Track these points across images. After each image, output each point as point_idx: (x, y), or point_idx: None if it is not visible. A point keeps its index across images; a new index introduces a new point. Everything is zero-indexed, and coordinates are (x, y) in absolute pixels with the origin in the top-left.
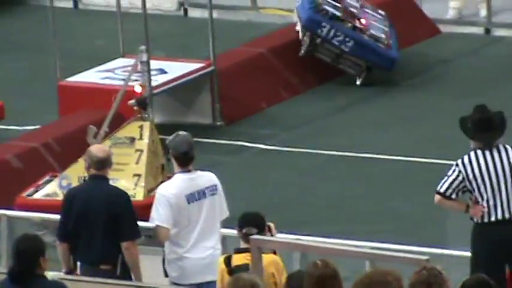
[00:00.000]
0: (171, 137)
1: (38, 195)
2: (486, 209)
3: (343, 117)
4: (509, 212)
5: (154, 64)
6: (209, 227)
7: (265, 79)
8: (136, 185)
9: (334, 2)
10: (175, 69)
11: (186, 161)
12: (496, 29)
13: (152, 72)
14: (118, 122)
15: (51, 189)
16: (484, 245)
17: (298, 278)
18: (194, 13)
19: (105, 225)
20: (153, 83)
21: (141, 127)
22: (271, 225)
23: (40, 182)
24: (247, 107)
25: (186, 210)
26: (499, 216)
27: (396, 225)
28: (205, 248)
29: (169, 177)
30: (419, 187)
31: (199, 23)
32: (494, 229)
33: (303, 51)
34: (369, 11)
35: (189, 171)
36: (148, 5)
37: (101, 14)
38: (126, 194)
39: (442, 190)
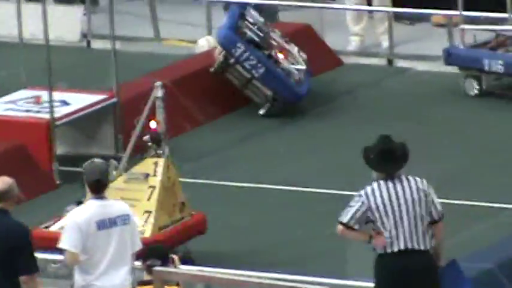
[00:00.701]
0: (85, 164)
1: (54, 228)
2: (389, 240)
3: (246, 148)
4: (412, 242)
5: (57, 95)
6: (119, 257)
7: (168, 110)
8: (146, 221)
9: (257, 31)
10: (78, 100)
11: (98, 188)
12: (398, 60)
13: (55, 104)
14: None
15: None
16: (387, 275)
17: None
18: (97, 44)
19: (3, 261)
20: (56, 115)
21: (155, 163)
22: (175, 257)
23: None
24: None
25: (96, 237)
26: (402, 246)
27: (298, 255)
28: (114, 277)
29: (191, 215)
30: (322, 218)
31: (102, 54)
32: (397, 259)
33: (213, 68)
34: (291, 51)
35: (101, 198)
36: (51, 36)
37: (3, 45)
38: (26, 227)
39: (345, 220)
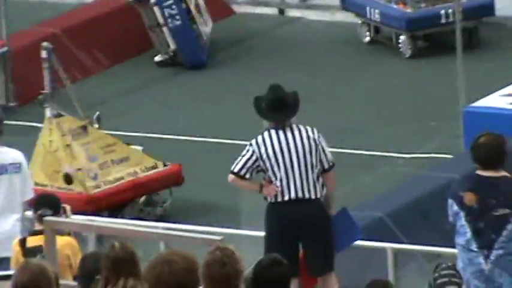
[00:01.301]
0: None
1: None
2: (279, 189)
3: (141, 98)
4: (302, 191)
5: None
6: (8, 204)
7: (60, 60)
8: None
9: None
10: None
11: None
12: (289, 10)
13: None
14: None
15: None
16: (277, 224)
17: (92, 260)
18: None
19: None
20: None
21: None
22: (67, 207)
23: None
24: (41, 88)
25: None
26: (292, 195)
27: (190, 205)
28: (2, 224)
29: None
30: (215, 167)
31: None
32: (287, 208)
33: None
34: (202, 10)
35: None
36: None
37: None
38: None
39: (236, 170)
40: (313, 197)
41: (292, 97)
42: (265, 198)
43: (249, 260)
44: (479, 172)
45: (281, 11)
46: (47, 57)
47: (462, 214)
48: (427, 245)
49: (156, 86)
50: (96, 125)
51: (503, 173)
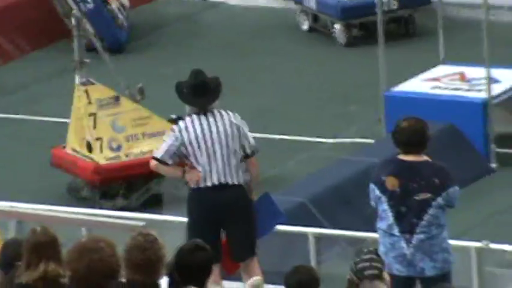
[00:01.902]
0: None
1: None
2: (202, 174)
3: (57, 84)
4: (225, 177)
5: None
6: None
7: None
8: None
9: None
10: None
11: None
12: None
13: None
14: None
15: None
16: (199, 210)
17: (13, 246)
18: None
19: None
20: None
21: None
22: None
23: None
24: None
25: None
26: (215, 181)
27: None
28: None
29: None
30: None
31: None
32: (210, 194)
33: None
34: None
35: None
36: None
37: None
38: None
39: (158, 156)
40: (235, 182)
41: (214, 82)
42: (187, 184)
43: (172, 245)
44: (401, 156)
45: None
46: (76, 24)
47: (384, 198)
48: (349, 230)
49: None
50: (139, 97)
51: (425, 158)
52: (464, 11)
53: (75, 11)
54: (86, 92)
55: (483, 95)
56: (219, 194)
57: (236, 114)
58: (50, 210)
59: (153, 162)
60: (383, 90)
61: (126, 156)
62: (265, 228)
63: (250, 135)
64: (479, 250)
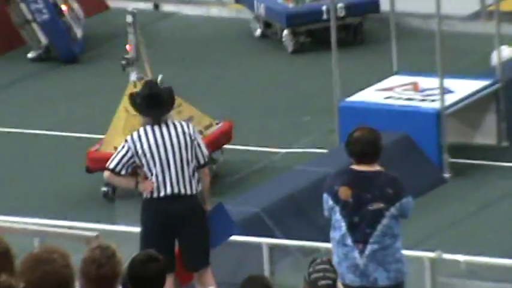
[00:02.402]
0: None
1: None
2: (155, 185)
3: (13, 93)
4: (178, 187)
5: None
6: None
7: None
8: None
9: None
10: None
11: None
12: (164, 5)
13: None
14: None
15: None
16: (153, 220)
17: None
18: None
19: None
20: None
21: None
22: None
23: None
24: None
25: None
26: (168, 191)
27: (70, 201)
28: None
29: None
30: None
31: None
32: (163, 204)
33: None
34: (73, 5)
35: None
36: None
37: None
38: None
39: (111, 166)
40: (189, 192)
41: (167, 93)
42: (141, 194)
43: (125, 256)
44: (354, 167)
45: (156, 6)
46: (132, 21)
47: (337, 208)
48: (303, 240)
49: (29, 81)
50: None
51: (378, 168)
52: (416, 20)
53: (130, 9)
54: None
55: (436, 105)
56: (173, 204)
57: (190, 124)
58: (3, 221)
59: (106, 173)
60: (337, 100)
61: None
62: (218, 239)
63: (203, 145)
64: (432, 260)
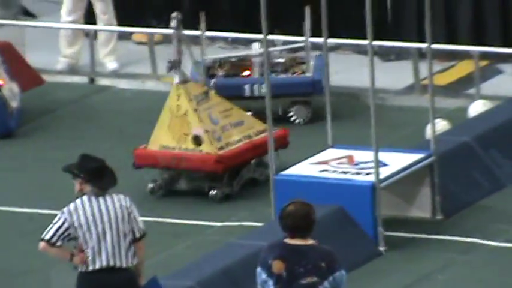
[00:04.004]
0: None
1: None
2: (90, 257)
3: None
4: (114, 259)
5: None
6: None
7: None
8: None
9: None
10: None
11: None
12: (100, 78)
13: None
14: None
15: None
16: None
17: None
18: None
19: None
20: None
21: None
22: None
23: None
24: None
25: None
26: (104, 263)
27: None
28: None
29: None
30: (24, 237)
31: None
32: (98, 277)
33: None
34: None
35: None
36: None
37: None
38: None
39: (47, 237)
40: (124, 265)
41: (105, 165)
42: (76, 268)
43: None
44: (287, 240)
45: (91, 80)
46: (176, 27)
47: (271, 282)
48: None
49: None
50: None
51: (311, 241)
52: (351, 95)
53: (175, 14)
54: (186, 89)
55: (371, 178)
56: (107, 277)
57: (126, 198)
58: None
59: (41, 244)
60: (272, 173)
61: (227, 145)
62: None
63: (140, 218)
64: None
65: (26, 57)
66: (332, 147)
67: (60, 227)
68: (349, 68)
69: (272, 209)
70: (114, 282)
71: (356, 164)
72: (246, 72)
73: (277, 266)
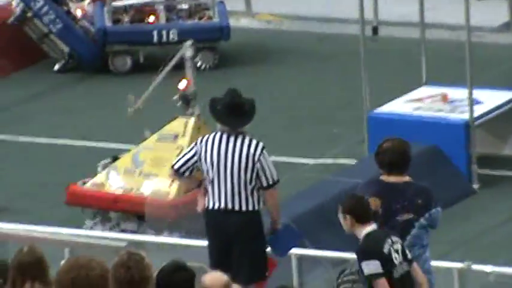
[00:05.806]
0: None
1: (88, 185)
2: (211, 196)
3: (40, 104)
4: (233, 202)
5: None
6: None
7: None
8: (173, 181)
9: None
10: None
11: None
12: None
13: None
14: None
15: (100, 180)
16: (208, 231)
17: None
18: None
19: None
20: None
21: (186, 123)
22: None
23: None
24: None
25: None
26: (222, 205)
27: None
28: None
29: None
30: None
31: None
32: (217, 217)
33: (11, 20)
34: (88, 8)
35: None
36: None
37: None
38: None
39: (176, 167)
40: (244, 209)
41: (249, 104)
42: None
43: (154, 266)
44: (383, 177)
45: None
46: (191, 55)
47: None
48: (332, 251)
49: (58, 91)
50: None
51: (407, 178)
52: (446, 32)
53: (189, 43)
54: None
55: (465, 116)
56: (225, 218)
57: (259, 146)
58: (31, 230)
59: (171, 172)
60: (366, 110)
61: None
62: (282, 251)
63: (271, 167)
64: (461, 271)
65: None
66: (426, 84)
67: (190, 158)
68: (443, 5)
69: (366, 146)
70: (230, 225)
71: (450, 102)
72: (152, 18)
73: (374, 202)
